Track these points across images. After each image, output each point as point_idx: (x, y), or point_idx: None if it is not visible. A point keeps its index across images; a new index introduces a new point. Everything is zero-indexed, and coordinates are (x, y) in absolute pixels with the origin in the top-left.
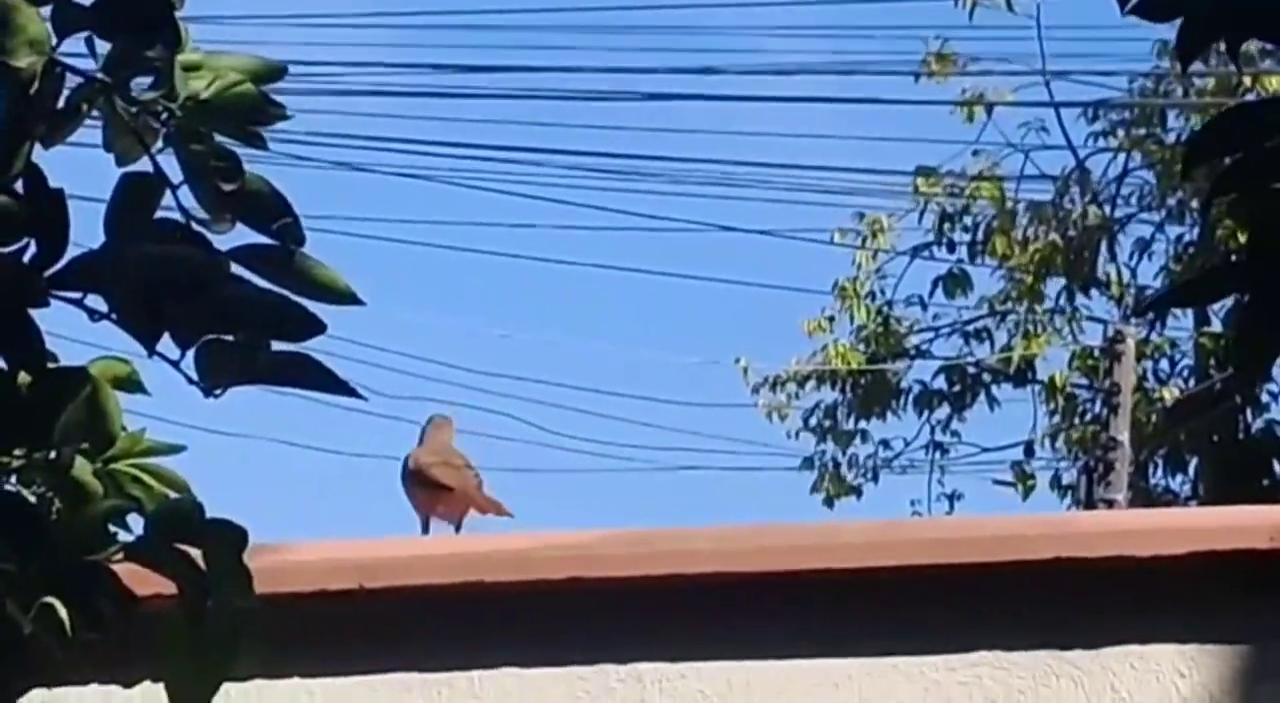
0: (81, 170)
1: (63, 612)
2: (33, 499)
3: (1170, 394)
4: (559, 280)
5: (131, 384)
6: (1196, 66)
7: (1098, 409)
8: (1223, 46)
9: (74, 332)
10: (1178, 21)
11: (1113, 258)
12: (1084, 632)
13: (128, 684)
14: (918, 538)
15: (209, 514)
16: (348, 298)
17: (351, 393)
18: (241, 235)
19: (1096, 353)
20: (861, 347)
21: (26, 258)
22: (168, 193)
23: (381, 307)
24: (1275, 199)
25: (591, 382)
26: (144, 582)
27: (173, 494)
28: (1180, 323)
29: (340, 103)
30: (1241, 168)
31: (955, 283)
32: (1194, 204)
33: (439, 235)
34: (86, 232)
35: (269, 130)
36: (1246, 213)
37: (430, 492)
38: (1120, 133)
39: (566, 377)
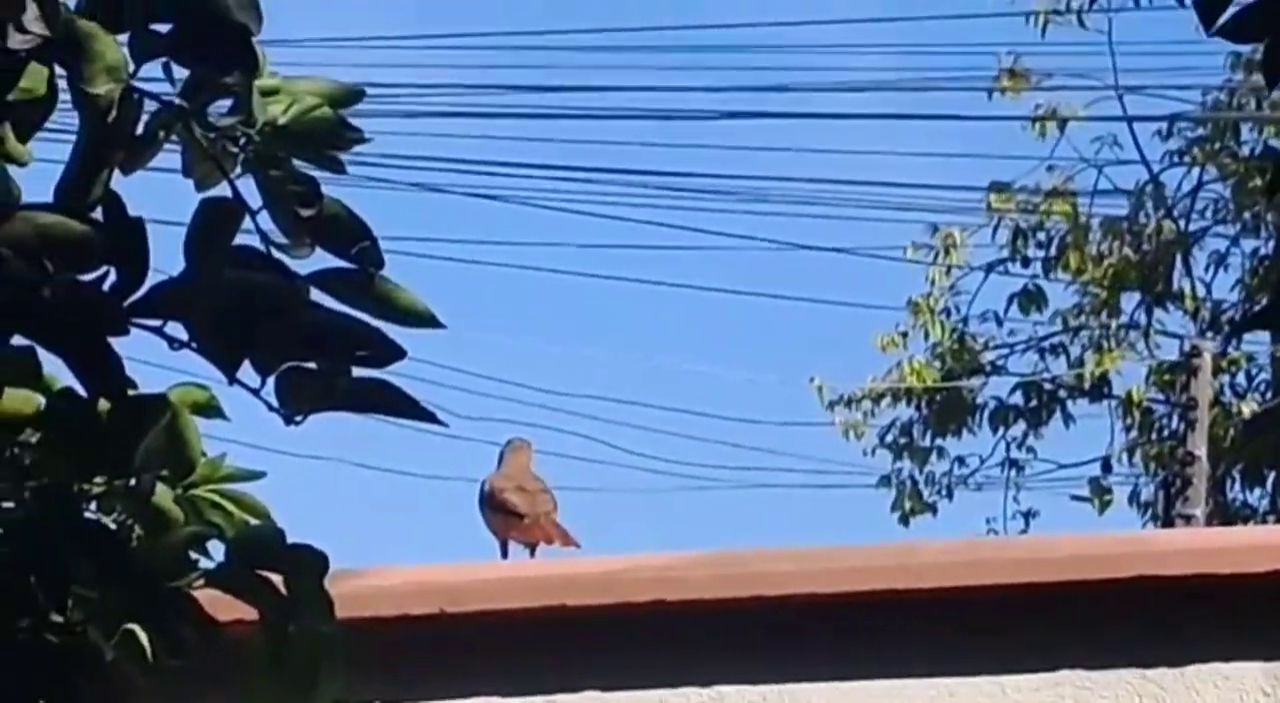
0: (161, 195)
1: (144, 638)
2: (113, 526)
3: (1248, 409)
4: (635, 300)
5: (211, 410)
6: None
7: (1175, 424)
8: None
9: (155, 357)
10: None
11: (1188, 272)
12: (1167, 650)
13: None
14: (999, 558)
15: (289, 539)
16: (428, 321)
17: (432, 419)
18: (320, 259)
19: (1173, 368)
20: (936, 363)
21: (106, 286)
22: (247, 218)
23: (460, 328)
24: None
25: (669, 401)
26: (226, 608)
27: (253, 520)
28: (1257, 337)
29: (416, 124)
30: None
31: (1030, 299)
32: (1269, 217)
33: (516, 256)
34: (166, 257)
35: (346, 153)
36: None
37: (503, 517)
38: (1194, 147)
39: (644, 396)
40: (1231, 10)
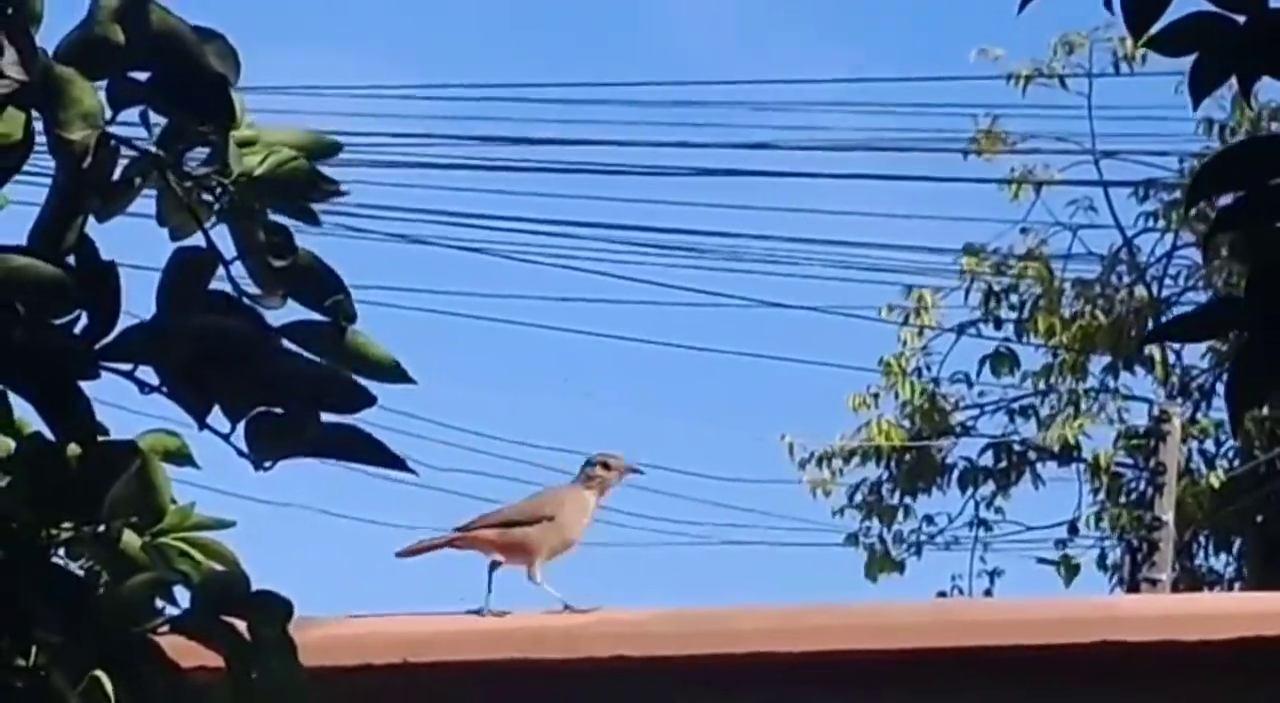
0: (137, 241)
1: (109, 686)
2: (80, 573)
3: (1216, 476)
4: (606, 354)
5: (182, 457)
6: None
7: (1142, 489)
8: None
9: (128, 402)
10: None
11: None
12: None
13: None
14: (963, 620)
15: (255, 586)
16: (398, 375)
17: (401, 465)
18: (293, 311)
19: (1142, 433)
20: (906, 423)
21: (77, 329)
22: (220, 267)
23: (432, 379)
24: (1277, 236)
25: (637, 455)
26: (189, 655)
27: (220, 568)
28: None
29: (393, 175)
30: (1244, 204)
31: (1002, 361)
32: (1242, 283)
33: (492, 308)
34: (140, 303)
35: (322, 204)
36: (1248, 250)
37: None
38: (1169, 210)
39: (615, 451)
40: (1162, 23)
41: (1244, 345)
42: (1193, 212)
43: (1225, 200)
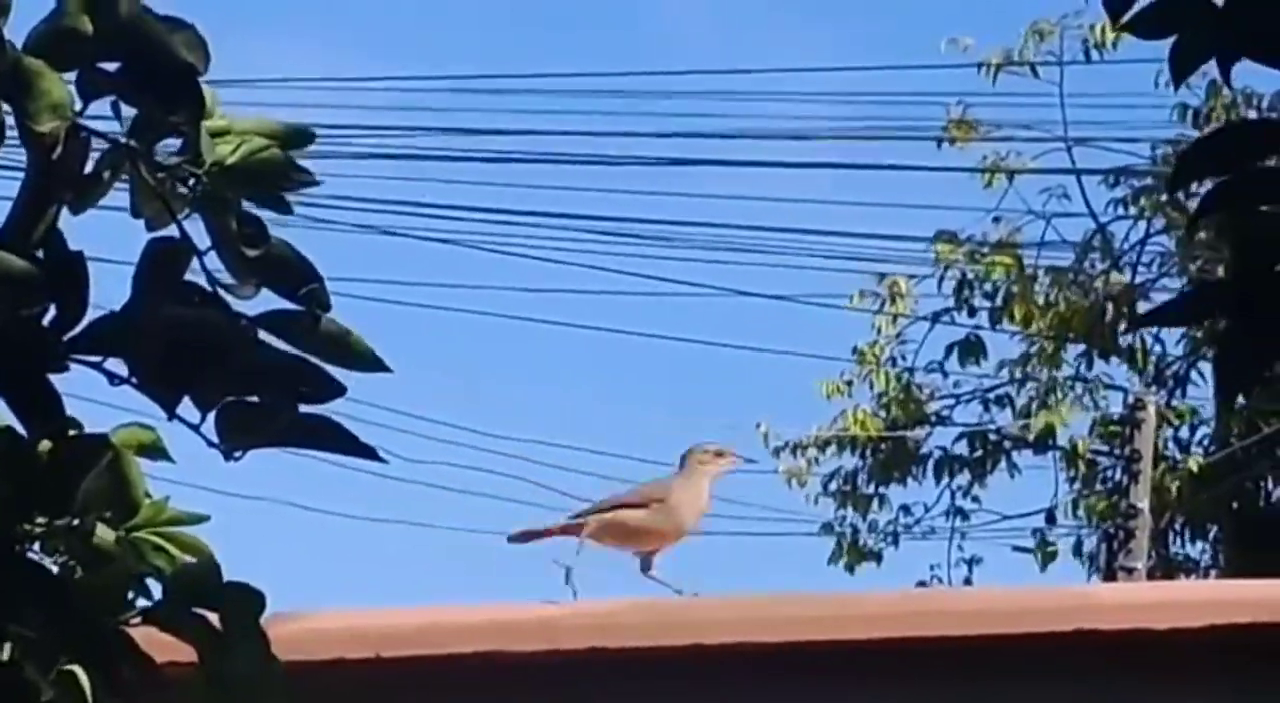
0: (114, 234)
1: (83, 679)
2: (54, 567)
3: (1195, 460)
4: (578, 345)
5: (156, 451)
6: None
7: (1118, 476)
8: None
9: (105, 395)
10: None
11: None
12: None
13: None
14: (938, 610)
15: (226, 579)
16: (374, 364)
17: (372, 454)
18: (268, 302)
19: (1117, 419)
20: (882, 412)
21: (46, 321)
22: (194, 259)
23: (405, 370)
24: (1261, 220)
25: (610, 445)
26: (162, 650)
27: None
28: (1201, 391)
29: (363, 166)
30: (1229, 188)
31: (970, 350)
32: (1218, 271)
33: (464, 300)
34: (109, 297)
35: (293, 195)
36: (1232, 234)
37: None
38: (1141, 197)
39: (585, 440)
40: (1138, 6)
41: (1227, 331)
42: (1164, 197)
43: (1207, 186)
